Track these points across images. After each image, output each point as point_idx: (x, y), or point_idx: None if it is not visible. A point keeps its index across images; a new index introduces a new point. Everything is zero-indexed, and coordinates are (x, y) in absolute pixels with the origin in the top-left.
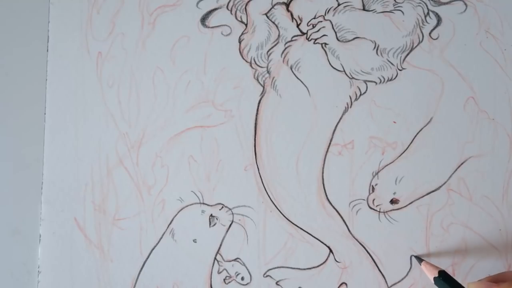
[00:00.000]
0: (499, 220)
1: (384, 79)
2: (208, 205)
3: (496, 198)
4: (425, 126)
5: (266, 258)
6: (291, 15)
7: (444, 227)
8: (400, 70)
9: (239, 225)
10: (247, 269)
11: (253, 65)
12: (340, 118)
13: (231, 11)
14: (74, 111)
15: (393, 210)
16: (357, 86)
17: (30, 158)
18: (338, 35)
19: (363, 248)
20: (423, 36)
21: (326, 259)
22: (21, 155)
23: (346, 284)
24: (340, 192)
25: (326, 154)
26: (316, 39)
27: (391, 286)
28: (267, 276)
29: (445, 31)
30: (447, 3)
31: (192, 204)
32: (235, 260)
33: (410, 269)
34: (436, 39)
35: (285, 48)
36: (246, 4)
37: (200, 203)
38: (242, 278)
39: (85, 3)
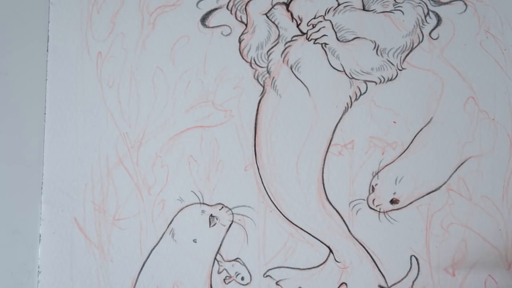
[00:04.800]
0: (499, 220)
1: (384, 79)
2: (208, 205)
3: (496, 198)
4: (425, 126)
5: (266, 258)
6: (291, 15)
7: (444, 227)
8: (400, 70)
9: (239, 225)
10: (247, 269)
11: (253, 65)
12: (340, 118)
13: (231, 11)
14: (74, 111)
15: (393, 210)
16: (357, 86)
17: (30, 158)
18: (338, 35)
19: (363, 248)
20: (423, 36)
21: (326, 259)
22: (21, 155)
23: (346, 284)
24: (340, 192)
25: (326, 154)
26: (316, 39)
27: (391, 286)
28: (267, 276)
29: (445, 31)
30: (447, 3)
31: (192, 204)
32: (235, 260)
33: (410, 269)
34: (436, 39)
35: (285, 48)
36: (246, 4)
37: (200, 203)
38: (242, 278)
39: (85, 3)
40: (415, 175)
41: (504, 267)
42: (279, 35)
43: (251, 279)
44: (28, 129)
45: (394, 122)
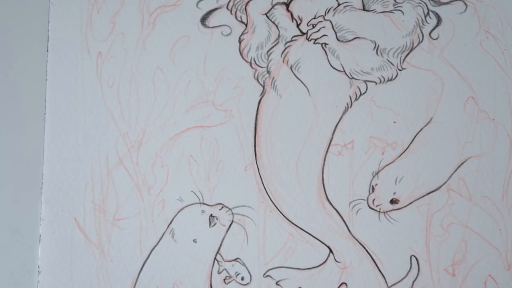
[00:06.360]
0: (499, 220)
1: (384, 79)
2: (208, 205)
3: (496, 198)
4: (425, 126)
5: (266, 258)
6: (291, 15)
7: (444, 227)
8: (400, 70)
9: (239, 225)
10: (247, 269)
11: (253, 65)
12: (340, 118)
13: (231, 11)
14: (74, 111)
15: (393, 210)
16: (357, 86)
17: (30, 158)
18: (338, 35)
19: (363, 248)
20: (423, 36)
21: (326, 259)
22: (21, 155)
23: (346, 284)
24: (340, 192)
25: (326, 154)
26: (316, 39)
27: (391, 286)
28: (267, 276)
29: (445, 31)
30: (447, 3)
31: (192, 204)
32: (235, 260)
33: (410, 269)
34: (436, 39)
35: (285, 48)
36: (246, 4)
37: (200, 203)
38: (242, 278)
39: (85, 3)
40: (415, 175)
41: (504, 267)
42: (279, 35)
43: (251, 279)
44: (28, 129)
45: (394, 122)
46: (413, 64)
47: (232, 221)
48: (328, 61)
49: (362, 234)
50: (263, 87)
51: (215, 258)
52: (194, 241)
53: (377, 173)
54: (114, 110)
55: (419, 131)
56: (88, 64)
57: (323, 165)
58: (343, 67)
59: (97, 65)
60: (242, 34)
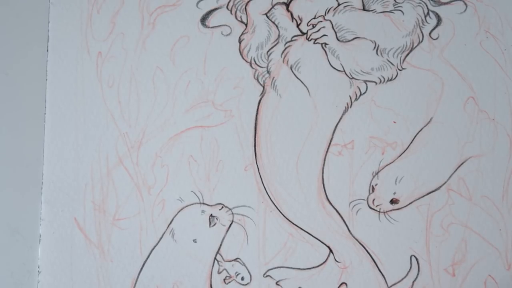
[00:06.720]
0: (499, 220)
1: (384, 79)
2: (208, 205)
3: (496, 198)
4: (425, 126)
5: (266, 258)
6: (291, 15)
7: (444, 227)
8: (400, 70)
9: (239, 225)
10: (247, 269)
11: (253, 65)
12: (340, 118)
13: (231, 11)
14: (74, 111)
15: (393, 210)
16: (357, 86)
17: (30, 158)
18: (338, 35)
19: (363, 248)
20: (423, 36)
21: (326, 259)
22: (21, 155)
23: (346, 284)
24: (340, 192)
25: (326, 154)
26: (316, 39)
27: (391, 286)
28: (267, 276)
29: (445, 31)
30: (447, 3)
31: (192, 204)
32: (235, 260)
33: (410, 269)
34: (436, 39)
35: (285, 48)
36: (246, 4)
37: (200, 203)
38: (242, 278)
39: (85, 3)
40: (415, 175)
41: (504, 267)
42: (279, 35)
43: (251, 279)
44: (28, 129)
45: (394, 122)
46: (413, 64)
47: (232, 221)
48: (328, 61)
49: (362, 234)
50: (263, 87)
51: (215, 258)
52: (194, 241)
53: (377, 173)
54: (114, 110)
55: (419, 131)
56: (88, 64)
57: (323, 165)
58: (343, 67)
59: (97, 65)
60: (242, 34)
